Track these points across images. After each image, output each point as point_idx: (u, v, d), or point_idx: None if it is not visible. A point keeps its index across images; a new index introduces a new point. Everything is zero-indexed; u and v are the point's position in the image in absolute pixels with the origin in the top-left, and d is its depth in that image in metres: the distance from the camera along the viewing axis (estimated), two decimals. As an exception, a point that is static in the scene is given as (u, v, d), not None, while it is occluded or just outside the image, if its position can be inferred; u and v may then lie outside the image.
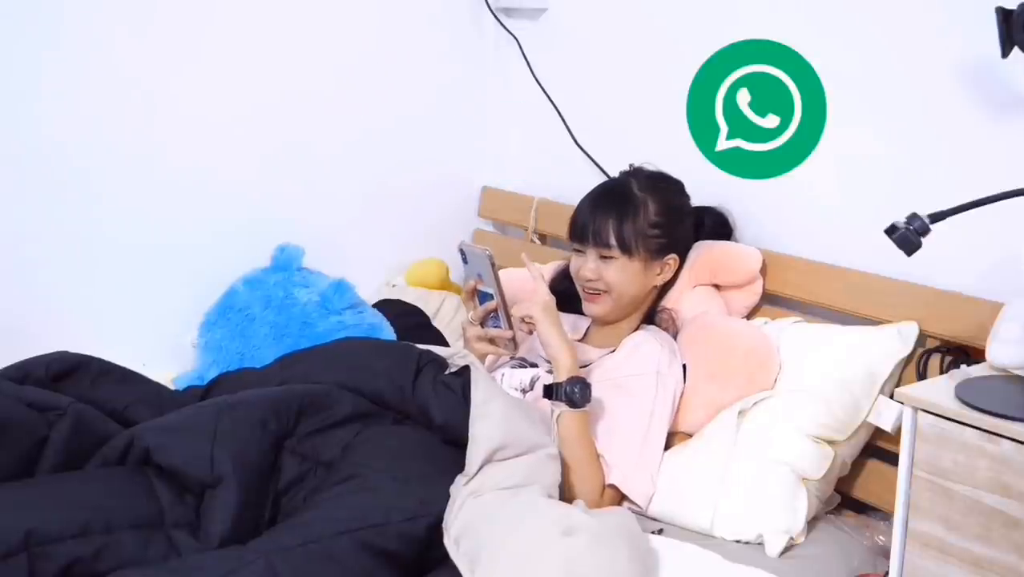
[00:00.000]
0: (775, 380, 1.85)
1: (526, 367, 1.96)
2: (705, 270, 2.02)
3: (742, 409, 1.81)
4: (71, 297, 2.10)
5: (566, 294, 1.98)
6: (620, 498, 1.78)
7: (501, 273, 1.87)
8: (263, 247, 2.27)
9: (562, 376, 1.77)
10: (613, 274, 1.91)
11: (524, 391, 1.90)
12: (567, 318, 1.98)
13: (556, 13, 2.49)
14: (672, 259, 1.96)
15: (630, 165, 2.04)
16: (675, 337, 1.95)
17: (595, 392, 1.77)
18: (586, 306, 1.96)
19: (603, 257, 1.91)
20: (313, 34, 2.35)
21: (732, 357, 1.85)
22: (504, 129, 2.65)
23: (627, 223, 1.89)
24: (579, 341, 1.98)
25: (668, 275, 1.97)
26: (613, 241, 1.89)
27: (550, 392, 1.77)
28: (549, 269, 2.14)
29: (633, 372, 1.86)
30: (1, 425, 1.48)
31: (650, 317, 2.01)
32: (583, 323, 2.03)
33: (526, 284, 1.94)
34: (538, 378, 1.89)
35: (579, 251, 1.95)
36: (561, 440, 1.72)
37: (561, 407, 1.75)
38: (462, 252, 1.90)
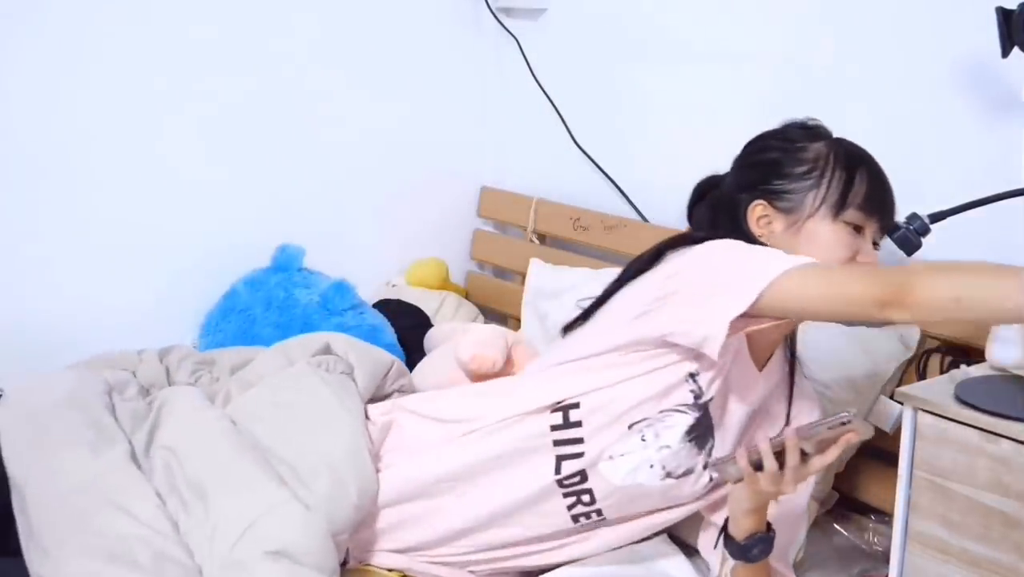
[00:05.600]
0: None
1: (699, 432, 1.52)
2: None
3: None
4: (70, 299, 2.10)
5: None
6: None
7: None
8: (263, 247, 2.27)
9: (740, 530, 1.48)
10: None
11: (680, 476, 1.52)
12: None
13: (556, 13, 2.49)
14: None
15: (820, 127, 1.65)
16: None
17: None
18: None
19: (874, 242, 1.54)
20: (313, 34, 2.35)
21: None
22: (503, 129, 2.65)
23: None
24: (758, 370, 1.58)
25: None
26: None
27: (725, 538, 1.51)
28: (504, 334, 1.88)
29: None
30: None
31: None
32: (736, 340, 1.52)
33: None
34: (702, 469, 1.51)
35: (858, 228, 1.50)
36: None
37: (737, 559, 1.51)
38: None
